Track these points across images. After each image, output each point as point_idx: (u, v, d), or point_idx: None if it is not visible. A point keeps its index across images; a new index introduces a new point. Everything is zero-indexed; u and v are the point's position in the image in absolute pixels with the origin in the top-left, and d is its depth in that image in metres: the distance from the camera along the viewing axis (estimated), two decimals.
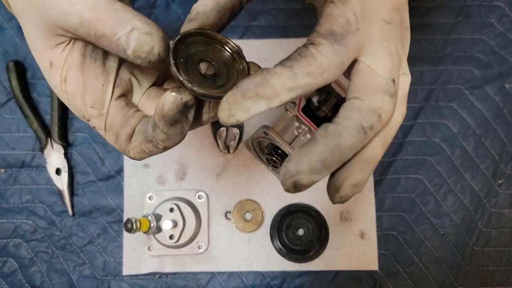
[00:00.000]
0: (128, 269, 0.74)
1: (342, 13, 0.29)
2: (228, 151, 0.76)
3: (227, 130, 0.75)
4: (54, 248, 0.75)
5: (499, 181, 0.75)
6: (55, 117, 0.75)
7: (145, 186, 0.75)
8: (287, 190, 0.31)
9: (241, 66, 0.33)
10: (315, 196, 0.76)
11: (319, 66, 0.28)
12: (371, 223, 0.75)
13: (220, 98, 0.29)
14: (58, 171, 0.75)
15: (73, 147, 0.77)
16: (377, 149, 0.32)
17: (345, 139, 0.29)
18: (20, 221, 0.75)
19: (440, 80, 0.78)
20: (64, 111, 0.77)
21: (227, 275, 0.74)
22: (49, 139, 0.76)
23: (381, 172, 0.76)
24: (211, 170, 0.76)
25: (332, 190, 0.33)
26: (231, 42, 0.34)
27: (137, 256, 0.74)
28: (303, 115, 0.72)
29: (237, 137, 0.76)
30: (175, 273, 0.74)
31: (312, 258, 0.74)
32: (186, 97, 0.30)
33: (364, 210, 0.76)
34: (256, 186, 0.76)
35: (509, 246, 0.74)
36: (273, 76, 0.28)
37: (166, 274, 0.74)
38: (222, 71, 0.33)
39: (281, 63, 0.29)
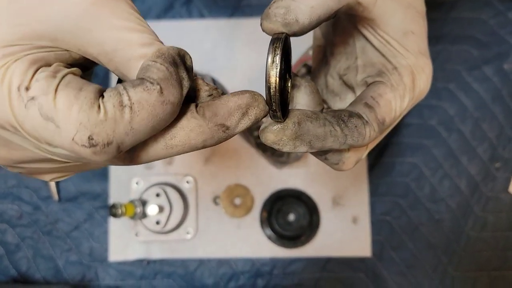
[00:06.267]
0: (114, 255, 0.72)
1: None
2: None
3: None
4: (40, 233, 0.73)
5: (496, 165, 0.73)
6: None
7: (132, 171, 0.74)
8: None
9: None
10: (306, 181, 0.74)
11: (365, 143, 0.30)
12: (364, 208, 0.73)
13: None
14: None
15: None
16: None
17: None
18: (6, 206, 0.74)
19: (438, 61, 0.75)
20: None
21: (216, 261, 0.73)
22: None
23: (375, 156, 0.74)
24: (199, 154, 0.74)
25: None
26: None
27: (124, 241, 0.73)
28: None
29: None
30: (163, 260, 0.73)
31: (303, 244, 0.72)
32: None
33: (357, 195, 0.74)
34: (246, 171, 0.74)
35: (506, 230, 0.72)
36: (335, 139, 0.29)
37: (154, 260, 0.73)
38: None
39: (340, 125, 0.29)
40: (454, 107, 0.74)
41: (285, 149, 0.29)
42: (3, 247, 0.73)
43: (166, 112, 0.23)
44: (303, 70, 0.71)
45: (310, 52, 0.71)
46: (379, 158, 0.74)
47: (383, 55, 0.33)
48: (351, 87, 0.36)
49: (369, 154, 0.73)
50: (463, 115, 0.74)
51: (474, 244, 0.73)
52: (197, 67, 0.70)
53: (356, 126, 0.29)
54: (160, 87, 0.23)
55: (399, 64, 0.32)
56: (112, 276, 0.72)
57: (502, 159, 0.73)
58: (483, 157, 0.74)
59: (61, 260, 0.73)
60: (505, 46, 0.75)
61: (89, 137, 0.22)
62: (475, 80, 0.75)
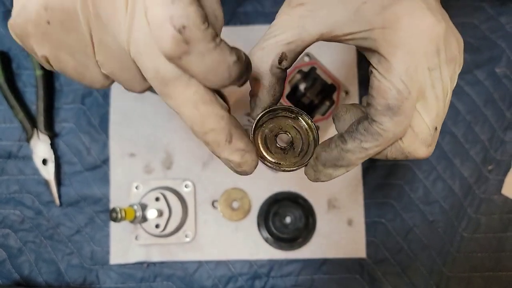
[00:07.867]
0: (115, 258, 0.74)
1: (391, 85, 0.32)
2: None
3: None
4: (42, 237, 0.75)
5: (489, 167, 0.75)
6: (41, 107, 0.75)
7: (132, 176, 0.75)
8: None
9: (306, 122, 0.38)
10: (302, 184, 0.75)
11: (385, 139, 0.33)
12: (359, 210, 0.75)
13: (306, 165, 0.37)
14: (44, 162, 0.75)
15: (59, 137, 0.77)
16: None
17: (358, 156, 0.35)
18: (8, 211, 0.76)
19: None
20: (49, 101, 0.76)
21: (214, 263, 0.74)
22: (35, 129, 0.75)
23: (370, 160, 0.75)
24: (198, 159, 0.76)
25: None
26: (290, 107, 0.38)
27: (125, 245, 0.74)
28: (288, 102, 0.72)
29: None
30: (162, 262, 0.74)
31: (299, 246, 0.74)
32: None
33: (352, 197, 0.75)
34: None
35: (499, 232, 0.74)
36: (348, 152, 0.34)
37: (154, 263, 0.74)
38: (296, 136, 0.38)
39: (351, 135, 0.34)
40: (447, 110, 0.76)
41: (325, 179, 0.37)
42: (5, 252, 0.75)
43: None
44: (298, 76, 0.72)
45: (305, 59, 0.73)
46: (373, 161, 0.76)
47: None
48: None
49: None
50: (456, 118, 0.76)
51: (467, 245, 0.74)
52: None
53: (365, 130, 0.34)
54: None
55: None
56: (113, 279, 0.74)
57: (495, 161, 0.75)
58: (476, 160, 0.75)
59: (63, 264, 0.74)
60: (497, 50, 0.76)
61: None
62: (467, 84, 0.76)
